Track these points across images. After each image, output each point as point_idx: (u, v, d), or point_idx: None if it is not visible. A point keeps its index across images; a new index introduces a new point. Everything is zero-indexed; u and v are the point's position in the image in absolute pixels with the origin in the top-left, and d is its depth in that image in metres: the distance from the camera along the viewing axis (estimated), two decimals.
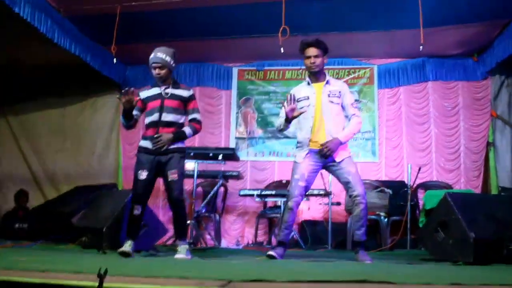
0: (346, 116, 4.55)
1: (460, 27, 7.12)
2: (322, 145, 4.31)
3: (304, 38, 4.55)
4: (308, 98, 4.47)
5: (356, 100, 8.26)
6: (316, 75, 4.51)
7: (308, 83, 4.53)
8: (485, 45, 7.67)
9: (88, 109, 9.12)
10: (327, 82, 4.49)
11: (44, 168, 9.05)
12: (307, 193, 6.79)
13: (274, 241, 7.12)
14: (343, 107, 4.51)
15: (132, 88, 4.41)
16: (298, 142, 4.56)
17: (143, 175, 4.34)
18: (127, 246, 4.19)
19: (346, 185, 4.42)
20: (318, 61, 4.42)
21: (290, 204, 4.43)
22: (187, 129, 4.44)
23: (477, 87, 8.13)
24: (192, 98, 4.53)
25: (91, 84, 8.77)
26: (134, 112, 4.54)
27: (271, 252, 4.34)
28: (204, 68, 8.98)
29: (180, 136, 4.40)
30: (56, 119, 9.21)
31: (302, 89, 4.57)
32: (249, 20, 7.09)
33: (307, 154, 4.44)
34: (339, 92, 4.47)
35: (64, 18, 6.78)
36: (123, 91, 4.33)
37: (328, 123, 4.41)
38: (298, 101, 4.49)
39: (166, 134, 4.33)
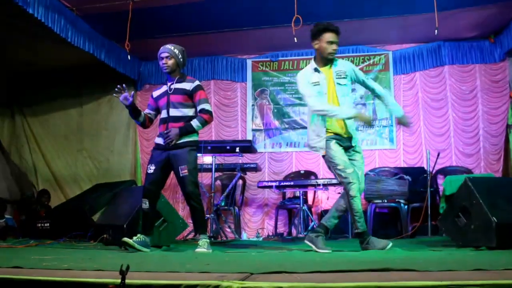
0: (372, 89, 4.49)
1: (475, 9, 7.02)
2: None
3: (321, 23, 4.40)
4: (318, 84, 4.32)
5: None
6: (327, 60, 4.37)
7: (316, 70, 4.37)
8: (501, 26, 7.57)
9: (105, 107, 9.18)
10: (334, 64, 4.38)
11: (66, 167, 9.15)
12: (326, 183, 6.90)
13: (294, 232, 7.14)
14: (360, 83, 4.48)
15: (123, 85, 4.46)
16: (316, 133, 4.33)
17: (151, 169, 4.42)
18: (134, 238, 4.25)
19: None
20: (337, 47, 4.34)
21: (352, 193, 4.10)
22: (194, 122, 4.44)
23: (494, 69, 8.02)
24: (197, 89, 4.50)
25: (107, 81, 8.79)
26: (147, 111, 4.68)
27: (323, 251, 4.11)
28: (218, 61, 8.98)
29: (187, 129, 4.42)
30: (75, 118, 9.30)
31: (311, 75, 4.37)
32: (262, 11, 7.06)
33: (333, 141, 4.25)
34: (345, 72, 4.35)
35: (77, 17, 6.82)
36: (116, 89, 4.39)
37: (342, 102, 4.28)
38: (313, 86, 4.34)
39: (174, 129, 4.38)
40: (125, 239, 4.21)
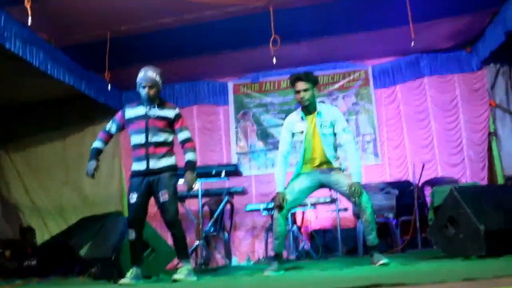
0: (339, 144, 4.53)
1: (450, 20, 7.13)
2: (351, 190, 4.25)
3: (292, 73, 4.58)
4: (302, 132, 4.49)
5: (354, 103, 8.31)
6: (308, 108, 4.49)
7: (302, 118, 4.52)
8: (477, 35, 7.67)
9: (89, 138, 9.07)
10: (318, 114, 4.48)
11: (51, 202, 9.02)
12: (314, 202, 6.88)
13: (285, 253, 7.08)
14: (334, 132, 4.51)
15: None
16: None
17: (133, 198, 4.33)
18: (128, 276, 4.15)
19: (347, 195, 4.38)
20: (308, 95, 4.39)
21: (275, 214, 4.45)
22: (189, 155, 4.38)
23: (473, 78, 8.11)
24: (178, 117, 4.44)
25: (89, 113, 8.79)
26: (110, 127, 4.68)
27: (266, 273, 4.31)
28: (199, 86, 8.97)
29: (193, 166, 4.37)
30: (59, 152, 9.21)
31: (297, 123, 4.54)
32: (239, 33, 7.09)
33: (301, 174, 4.54)
34: (330, 122, 4.46)
35: (56, 49, 6.77)
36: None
37: (327, 152, 4.43)
38: (293, 134, 4.55)
39: (189, 175, 4.30)
40: (122, 282, 4.10)
